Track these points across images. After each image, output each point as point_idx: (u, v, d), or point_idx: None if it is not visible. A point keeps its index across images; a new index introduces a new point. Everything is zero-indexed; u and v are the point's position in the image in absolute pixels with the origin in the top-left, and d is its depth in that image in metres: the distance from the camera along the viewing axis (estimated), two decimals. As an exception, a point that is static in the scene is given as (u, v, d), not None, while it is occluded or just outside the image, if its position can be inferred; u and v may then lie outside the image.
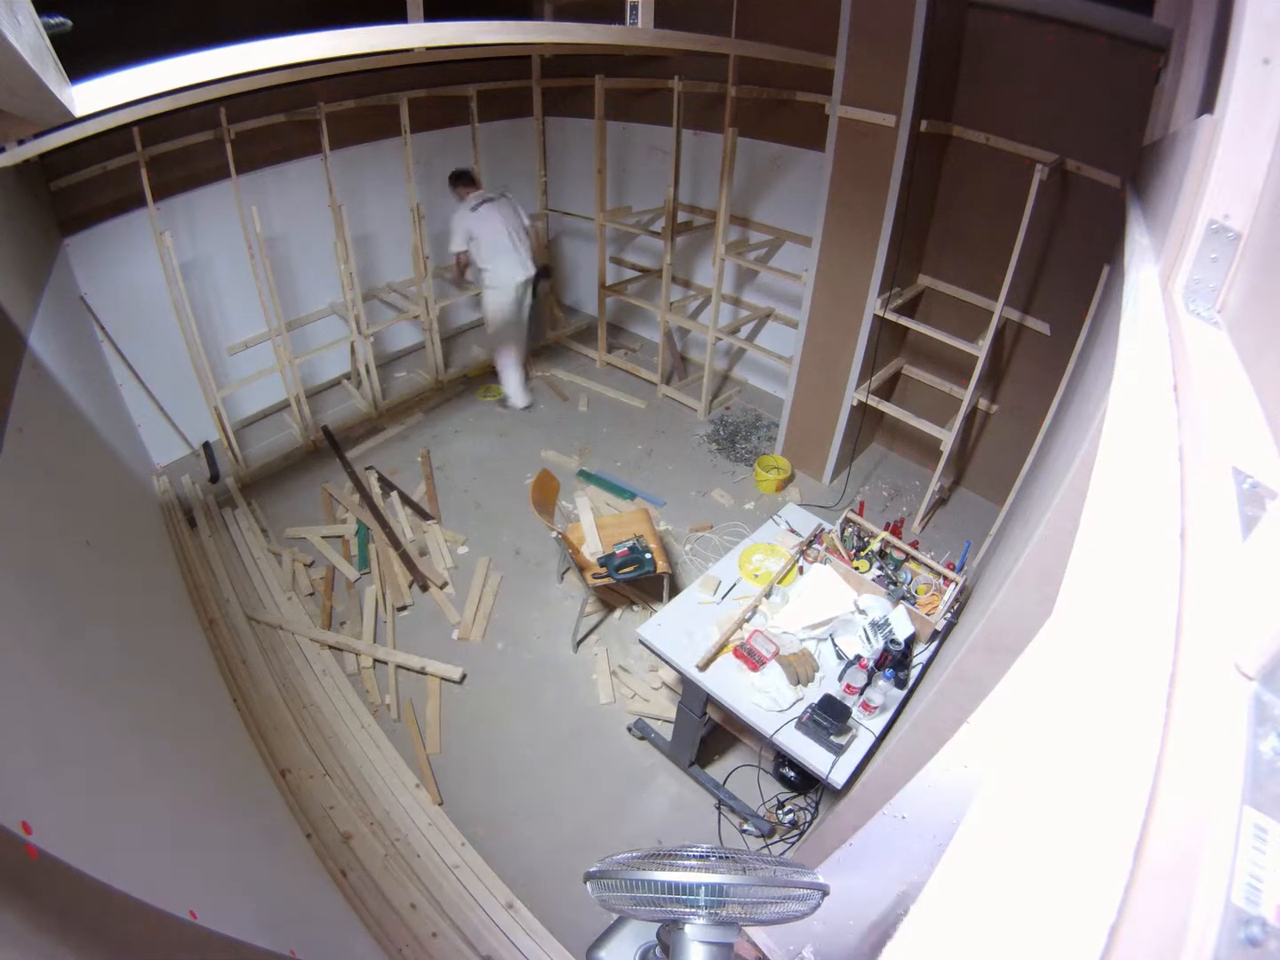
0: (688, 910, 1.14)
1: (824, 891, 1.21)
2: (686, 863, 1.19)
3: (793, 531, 3.40)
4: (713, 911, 1.14)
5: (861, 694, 2.62)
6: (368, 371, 5.46)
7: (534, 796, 3.32)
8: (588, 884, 1.22)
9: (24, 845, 1.10)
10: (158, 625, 3.11)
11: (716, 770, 3.42)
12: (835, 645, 2.83)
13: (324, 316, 5.45)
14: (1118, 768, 0.50)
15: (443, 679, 3.74)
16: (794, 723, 2.56)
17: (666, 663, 2.86)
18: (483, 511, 4.82)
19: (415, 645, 3.96)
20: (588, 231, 6.34)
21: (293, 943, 1.91)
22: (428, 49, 3.24)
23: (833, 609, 2.90)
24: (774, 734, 2.55)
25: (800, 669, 2.68)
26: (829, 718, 2.47)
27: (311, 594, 4.24)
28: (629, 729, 3.55)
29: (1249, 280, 0.94)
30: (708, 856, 1.23)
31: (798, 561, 3.18)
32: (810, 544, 3.26)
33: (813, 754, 2.51)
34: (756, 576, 3.12)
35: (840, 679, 2.70)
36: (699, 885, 1.13)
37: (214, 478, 4.87)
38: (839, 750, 2.49)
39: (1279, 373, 0.76)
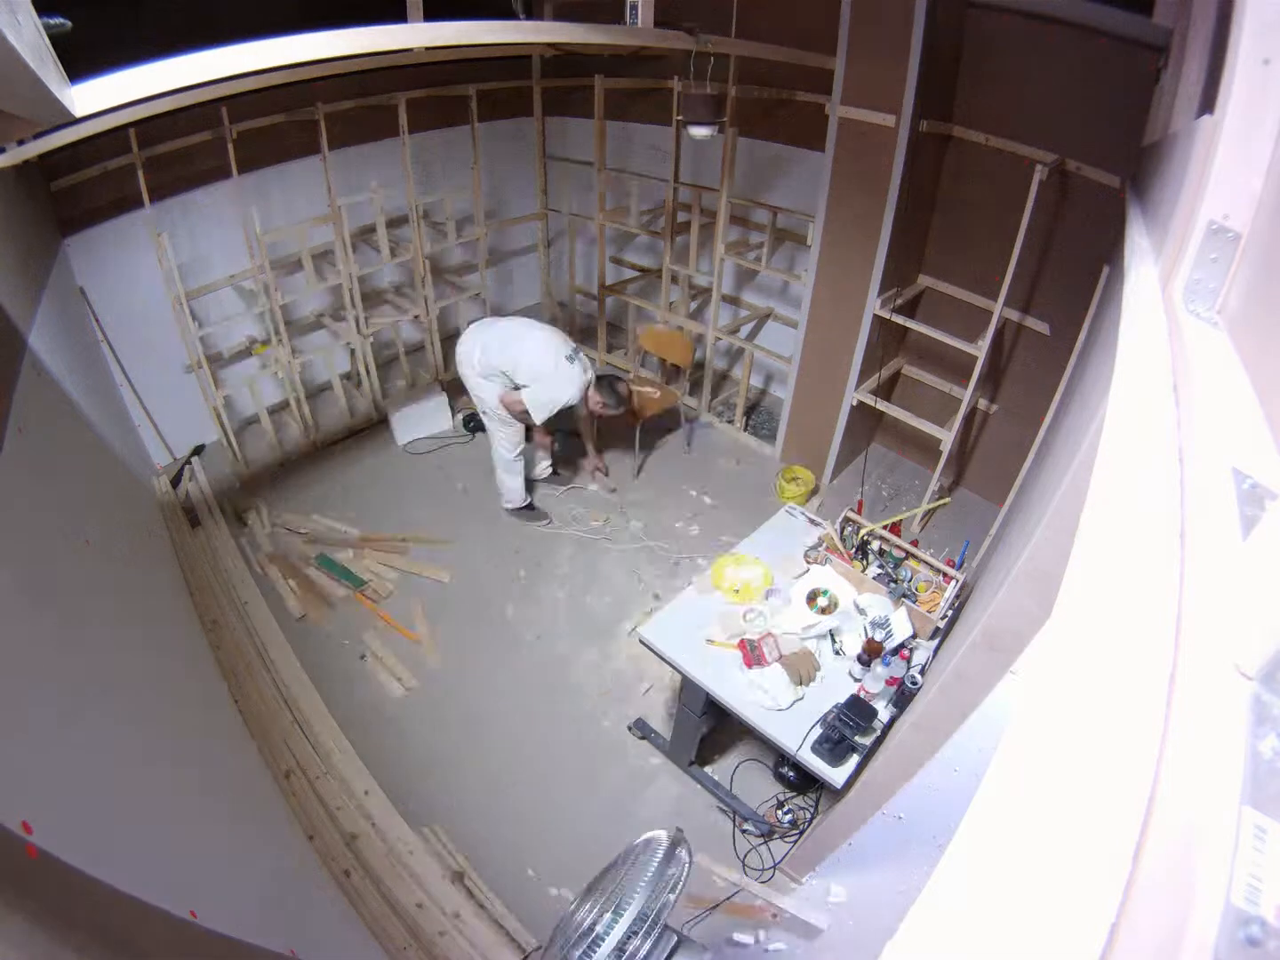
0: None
1: (678, 841, 1.24)
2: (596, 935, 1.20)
3: (814, 523, 3.39)
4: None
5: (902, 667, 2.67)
6: (368, 371, 5.46)
7: (533, 798, 3.34)
8: None
9: (24, 845, 1.10)
10: (158, 625, 3.11)
11: (718, 768, 3.44)
12: (835, 642, 2.83)
13: (322, 315, 5.45)
14: (1117, 767, 0.51)
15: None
16: (819, 722, 2.56)
17: (667, 662, 2.86)
18: (484, 512, 4.82)
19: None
20: (589, 231, 6.34)
21: (292, 942, 1.91)
22: (427, 49, 3.24)
23: (829, 618, 2.90)
24: (761, 723, 2.56)
25: (803, 669, 2.68)
26: (855, 718, 2.46)
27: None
28: (629, 728, 3.56)
29: (1249, 281, 0.94)
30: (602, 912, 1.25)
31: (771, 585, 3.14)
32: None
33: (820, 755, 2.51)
34: (737, 592, 3.04)
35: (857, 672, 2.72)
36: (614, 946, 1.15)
37: (174, 481, 4.87)
38: (863, 751, 2.49)
39: (1279, 374, 0.77)
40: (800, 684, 2.68)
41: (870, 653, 2.69)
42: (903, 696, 2.55)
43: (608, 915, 1.19)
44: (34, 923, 0.99)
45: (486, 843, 3.14)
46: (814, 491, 5.16)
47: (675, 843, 1.27)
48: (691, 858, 1.28)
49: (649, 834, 1.32)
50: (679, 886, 1.21)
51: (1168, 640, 0.59)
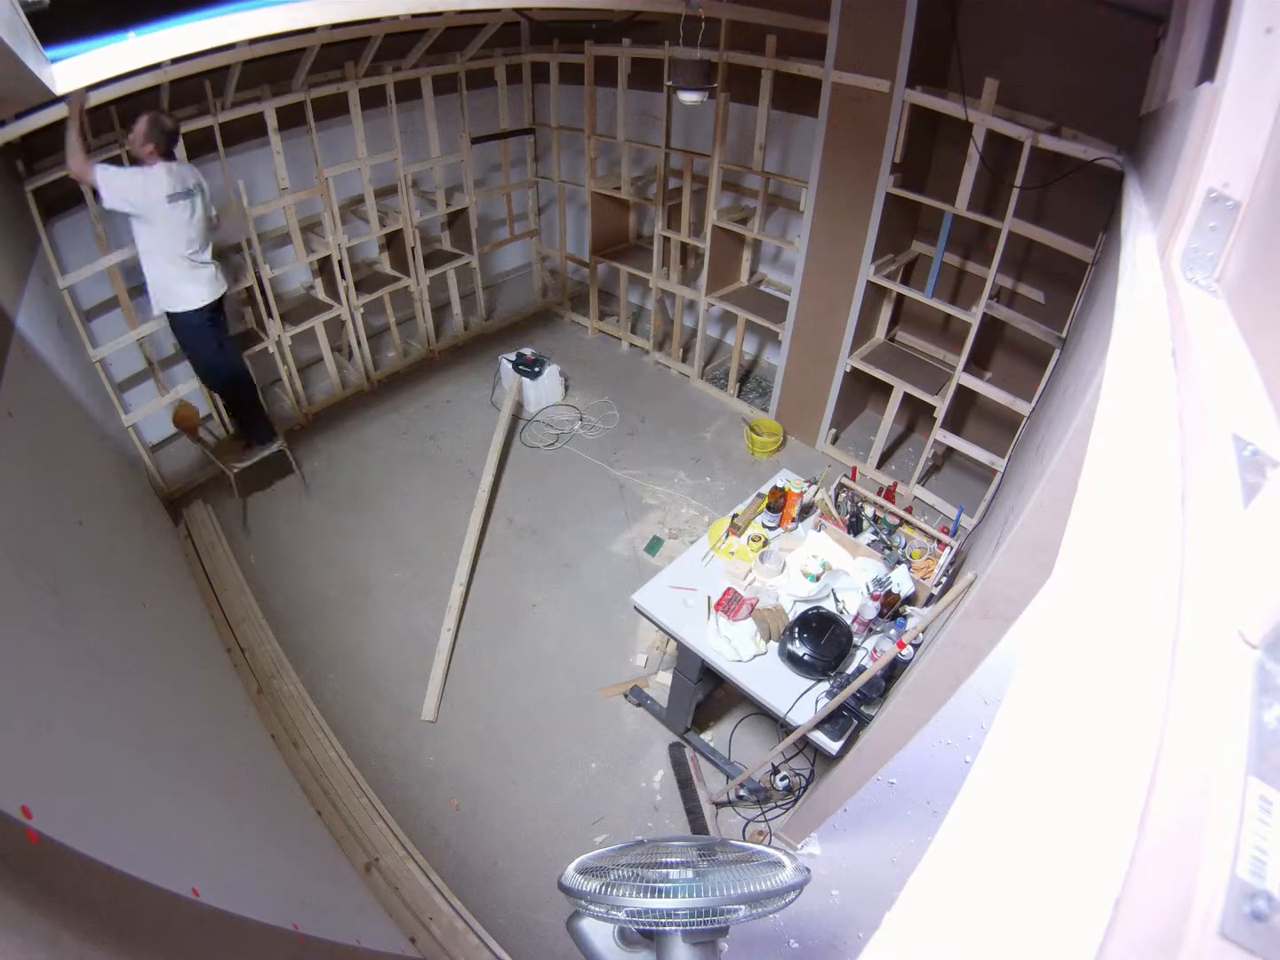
0: (670, 923, 1.12)
1: (801, 886, 1.20)
2: (666, 874, 1.17)
3: (810, 483, 3.39)
4: (694, 924, 1.12)
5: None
6: (359, 344, 5.43)
7: (531, 764, 3.38)
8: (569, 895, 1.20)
9: (24, 830, 1.10)
10: (157, 602, 3.10)
11: (715, 733, 3.49)
12: (837, 600, 2.83)
13: (311, 288, 5.40)
14: (1120, 738, 0.51)
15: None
16: (825, 693, 2.57)
17: (660, 627, 2.89)
18: (476, 480, 4.81)
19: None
20: (579, 198, 6.29)
21: (297, 918, 1.92)
22: (414, 16, 3.19)
23: (828, 575, 2.90)
24: (744, 678, 2.57)
25: (773, 625, 2.69)
26: (863, 690, 2.46)
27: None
28: (625, 696, 3.59)
29: (1248, 249, 0.93)
30: (685, 864, 1.22)
31: (768, 535, 3.16)
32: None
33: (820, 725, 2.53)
34: (733, 554, 3.07)
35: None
36: (679, 910, 1.11)
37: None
38: (867, 721, 2.51)
39: (1279, 341, 0.76)
40: (768, 639, 2.69)
41: (887, 605, 2.70)
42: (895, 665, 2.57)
43: (689, 873, 1.17)
44: (33, 906, 0.99)
45: (478, 809, 3.18)
46: (783, 444, 5.26)
47: (793, 890, 1.21)
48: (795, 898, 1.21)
49: (777, 854, 1.28)
50: (756, 913, 1.17)
51: (1170, 608, 0.59)
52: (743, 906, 1.12)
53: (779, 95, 4.40)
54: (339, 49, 4.21)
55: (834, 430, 5.15)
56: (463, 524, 4.47)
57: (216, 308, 4.06)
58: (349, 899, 2.65)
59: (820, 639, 2.59)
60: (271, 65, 3.99)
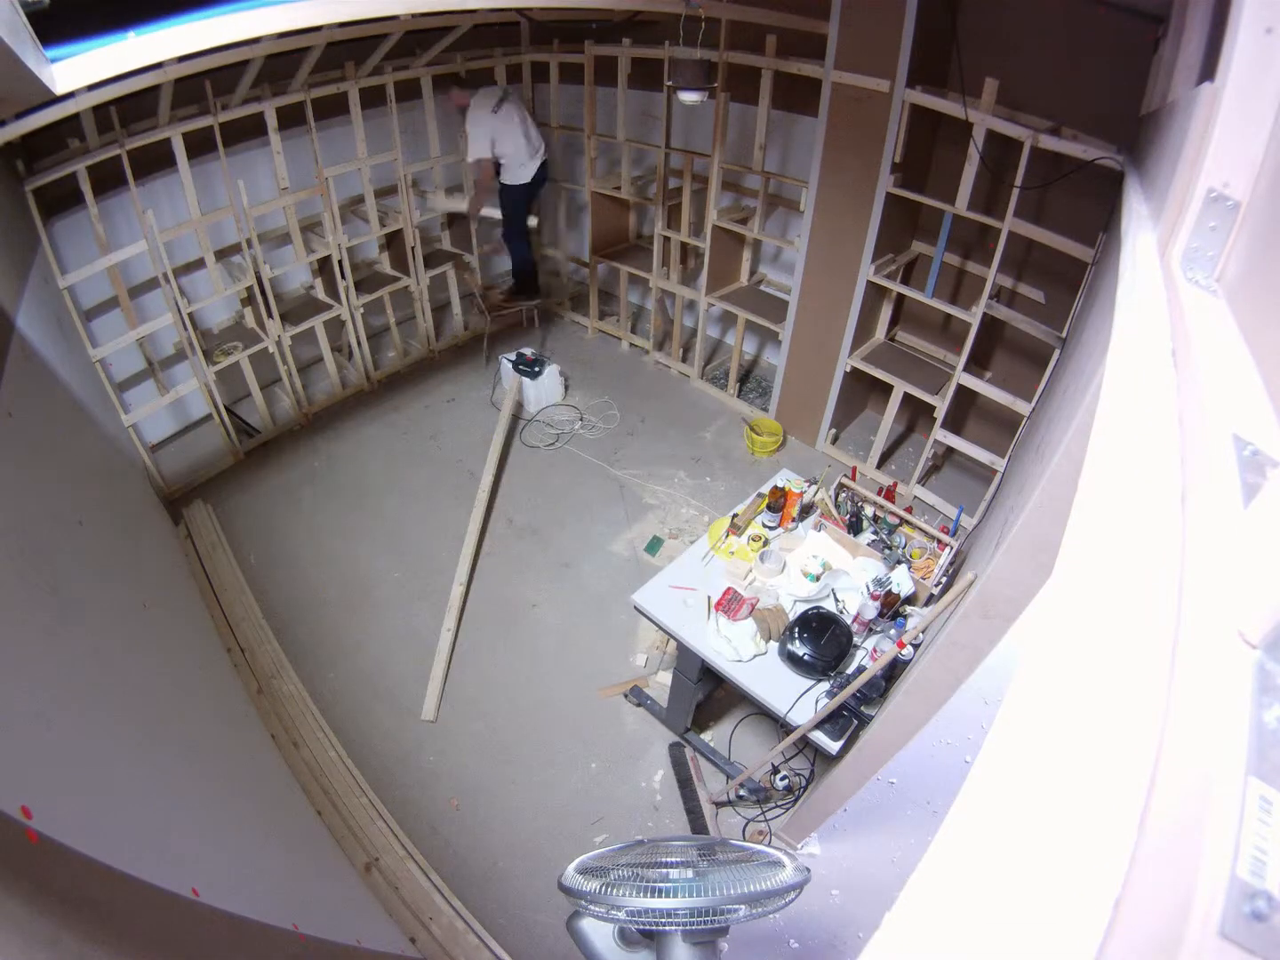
0: (670, 923, 1.12)
1: (801, 886, 1.19)
2: (666, 873, 1.17)
3: (810, 482, 3.38)
4: (694, 924, 1.12)
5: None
6: (359, 344, 5.43)
7: (531, 764, 3.37)
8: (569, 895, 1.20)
9: (24, 830, 1.10)
10: (159, 604, 3.10)
11: (715, 733, 3.49)
12: (837, 600, 2.83)
13: (311, 289, 5.39)
14: (1120, 738, 0.50)
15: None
16: (825, 693, 2.57)
17: (660, 627, 2.89)
18: (476, 480, 4.81)
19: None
20: (579, 198, 6.28)
21: (295, 918, 1.92)
22: (414, 16, 3.18)
23: (828, 575, 2.90)
24: (744, 679, 2.57)
25: (773, 625, 2.69)
26: (864, 690, 2.46)
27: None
28: (625, 696, 3.59)
29: (1248, 249, 0.93)
30: (685, 864, 1.21)
31: (769, 535, 3.16)
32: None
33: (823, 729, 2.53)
34: (733, 554, 3.08)
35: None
36: (679, 910, 1.11)
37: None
38: (867, 720, 2.50)
39: (1278, 341, 0.76)
40: (768, 639, 2.69)
41: (887, 605, 2.70)
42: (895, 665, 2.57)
43: (689, 872, 1.17)
44: (33, 906, 0.99)
45: (478, 810, 3.18)
46: (783, 444, 5.26)
47: (793, 890, 1.20)
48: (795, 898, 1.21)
49: (777, 854, 1.27)
50: (756, 913, 1.17)
51: (1170, 608, 0.58)
52: (743, 906, 1.11)
53: (779, 95, 4.39)
54: (338, 49, 4.20)
55: (834, 430, 5.15)
56: (463, 524, 4.47)
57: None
58: (349, 899, 2.65)
59: (820, 639, 2.59)
60: (271, 65, 3.99)
